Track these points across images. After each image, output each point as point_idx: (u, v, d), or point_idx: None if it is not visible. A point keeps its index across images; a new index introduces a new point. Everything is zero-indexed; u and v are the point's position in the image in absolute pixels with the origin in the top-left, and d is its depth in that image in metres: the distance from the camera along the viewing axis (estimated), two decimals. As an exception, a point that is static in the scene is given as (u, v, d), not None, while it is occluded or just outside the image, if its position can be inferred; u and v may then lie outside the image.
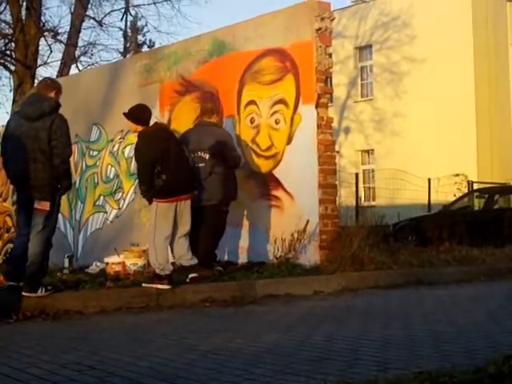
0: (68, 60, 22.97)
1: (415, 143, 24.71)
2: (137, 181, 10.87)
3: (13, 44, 22.75)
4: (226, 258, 9.32)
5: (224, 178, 8.49)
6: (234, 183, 8.75)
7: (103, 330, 5.75)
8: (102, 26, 24.37)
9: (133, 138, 11.14)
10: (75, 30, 22.74)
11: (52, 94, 6.93)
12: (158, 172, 7.38)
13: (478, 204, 17.32)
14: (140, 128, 7.62)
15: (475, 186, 20.83)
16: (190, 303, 7.03)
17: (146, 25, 34.49)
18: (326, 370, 3.86)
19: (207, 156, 8.46)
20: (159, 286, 7.20)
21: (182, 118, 10.17)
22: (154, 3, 25.27)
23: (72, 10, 23.05)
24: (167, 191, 7.42)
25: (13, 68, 23.07)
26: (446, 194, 20.86)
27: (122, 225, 11.15)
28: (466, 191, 20.21)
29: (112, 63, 15.83)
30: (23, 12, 21.99)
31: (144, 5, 30.08)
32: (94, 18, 23.92)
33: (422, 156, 24.09)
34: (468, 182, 21.66)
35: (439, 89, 24.35)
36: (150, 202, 7.58)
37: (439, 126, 24.26)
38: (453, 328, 5.26)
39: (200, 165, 8.40)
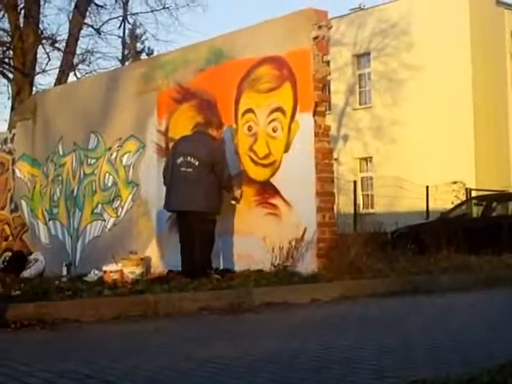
0: (66, 68, 22.99)
1: (413, 151, 24.76)
2: (134, 189, 10.96)
3: (11, 52, 22.78)
4: (223, 265, 9.34)
5: (209, 189, 8.72)
6: (218, 196, 8.89)
7: (101, 339, 5.75)
8: (100, 33, 24.42)
9: (131, 146, 11.21)
10: (73, 38, 22.77)
11: None
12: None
13: (476, 211, 17.33)
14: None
15: (473, 194, 20.85)
16: (188, 311, 7.02)
17: (145, 33, 34.62)
18: (322, 378, 3.86)
19: (197, 163, 8.73)
20: None
21: (180, 126, 10.19)
22: (152, 11, 25.35)
23: (70, 17, 23.07)
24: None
25: (11, 76, 23.09)
26: (444, 201, 20.89)
27: (120, 233, 11.16)
28: (464, 199, 20.22)
29: (110, 71, 15.87)
30: (21, 20, 22.02)
31: (142, 13, 30.32)
32: (92, 26, 23.98)
33: (421, 163, 24.14)
34: (466, 189, 21.69)
35: (437, 96, 24.42)
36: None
37: (437, 133, 24.32)
38: (449, 336, 5.26)
39: (188, 170, 8.74)
